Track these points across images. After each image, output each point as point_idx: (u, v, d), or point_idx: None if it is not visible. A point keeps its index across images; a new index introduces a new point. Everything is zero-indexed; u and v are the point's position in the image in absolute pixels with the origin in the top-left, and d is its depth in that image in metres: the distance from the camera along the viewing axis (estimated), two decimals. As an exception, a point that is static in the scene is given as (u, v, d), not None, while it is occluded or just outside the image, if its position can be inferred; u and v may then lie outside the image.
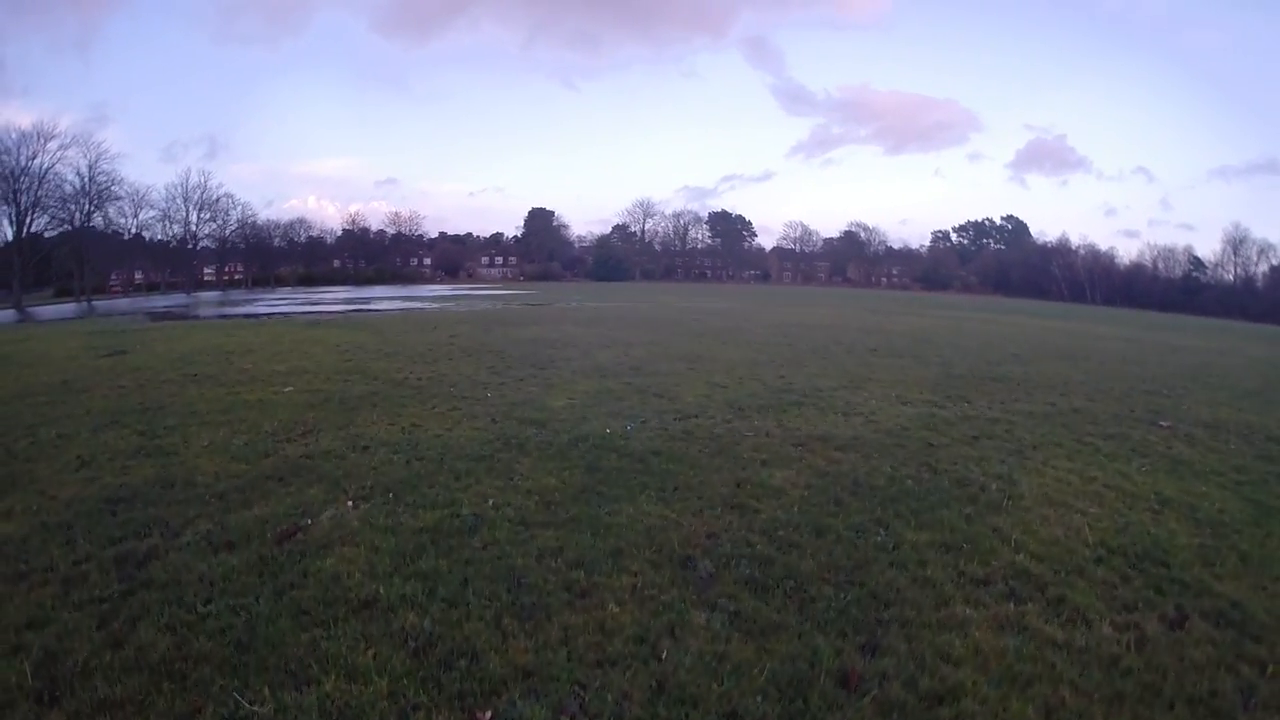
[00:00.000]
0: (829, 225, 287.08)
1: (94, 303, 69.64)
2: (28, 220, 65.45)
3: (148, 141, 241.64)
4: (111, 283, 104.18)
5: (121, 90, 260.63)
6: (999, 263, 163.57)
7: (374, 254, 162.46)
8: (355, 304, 43.55)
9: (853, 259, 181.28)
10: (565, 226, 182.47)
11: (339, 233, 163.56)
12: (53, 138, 64.75)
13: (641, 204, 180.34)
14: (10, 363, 14.59)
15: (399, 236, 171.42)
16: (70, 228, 72.92)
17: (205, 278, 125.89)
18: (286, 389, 10.35)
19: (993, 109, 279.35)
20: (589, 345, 14.82)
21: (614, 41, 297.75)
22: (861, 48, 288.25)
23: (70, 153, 72.28)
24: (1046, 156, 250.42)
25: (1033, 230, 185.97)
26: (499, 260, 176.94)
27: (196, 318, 31.21)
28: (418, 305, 36.22)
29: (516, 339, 15.89)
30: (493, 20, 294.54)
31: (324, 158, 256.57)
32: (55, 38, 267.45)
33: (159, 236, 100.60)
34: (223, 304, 52.61)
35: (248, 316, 31.00)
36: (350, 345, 15.78)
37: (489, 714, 3.25)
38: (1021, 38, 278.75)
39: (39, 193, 64.37)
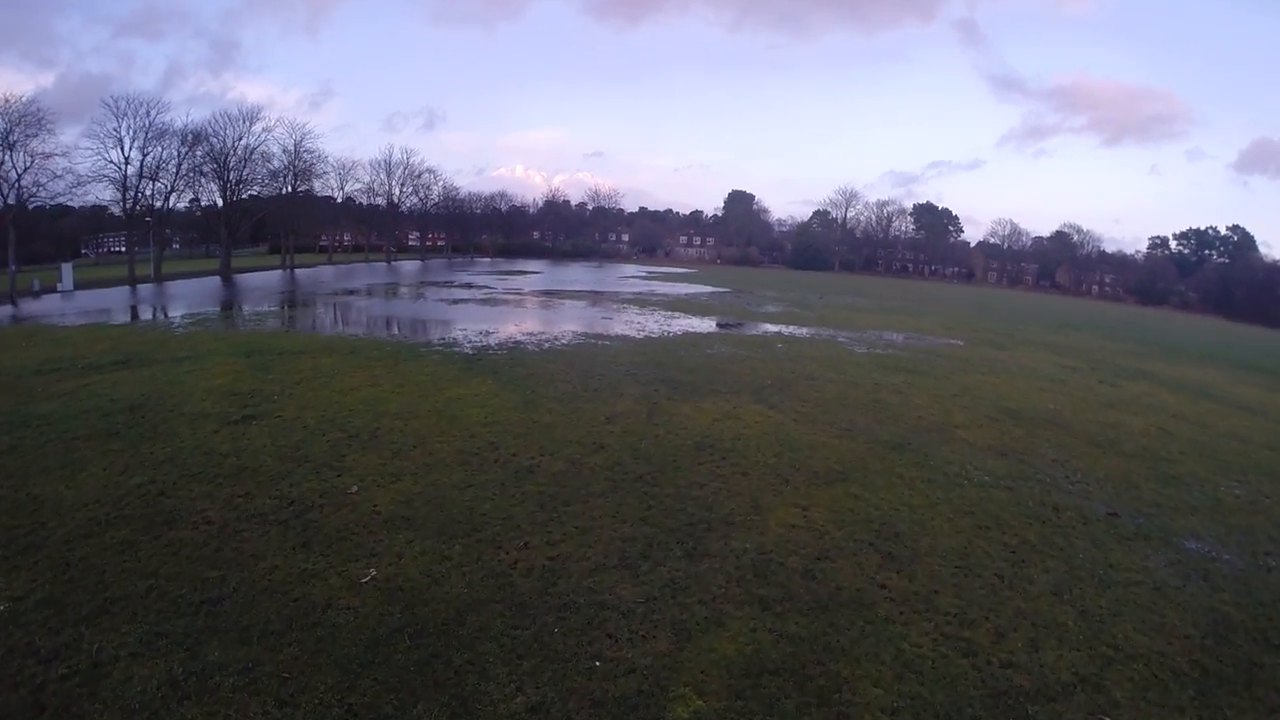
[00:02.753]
0: (1038, 222, 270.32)
1: (296, 270, 72.68)
2: (235, 194, 69.81)
3: (370, 113, 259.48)
4: (322, 243, 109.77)
5: (347, 67, 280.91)
6: (1222, 279, 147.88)
7: (573, 228, 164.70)
8: (541, 300, 41.83)
9: (1063, 262, 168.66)
10: (765, 210, 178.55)
11: (540, 204, 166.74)
12: (257, 120, 69.13)
13: (844, 191, 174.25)
14: (140, 427, 13.05)
15: (599, 210, 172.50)
16: (279, 196, 77.12)
17: (410, 242, 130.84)
18: (365, 579, 7.52)
19: (1215, 102, 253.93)
20: (765, 470, 11.53)
21: (821, 23, 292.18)
22: (1077, 33, 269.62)
23: (276, 133, 78.67)
24: (1272, 158, 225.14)
25: (1259, 243, 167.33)
26: (696, 241, 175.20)
27: (369, 328, 31.35)
28: (602, 318, 33.72)
29: (684, 444, 12.53)
30: (702, 3, 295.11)
31: (534, 129, 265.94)
32: (288, 21, 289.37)
33: (365, 202, 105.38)
34: (415, 286, 52.52)
35: (417, 324, 29.57)
36: (489, 430, 12.85)
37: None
38: (1247, 24, 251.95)
39: (244, 171, 68.51)
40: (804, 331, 32.30)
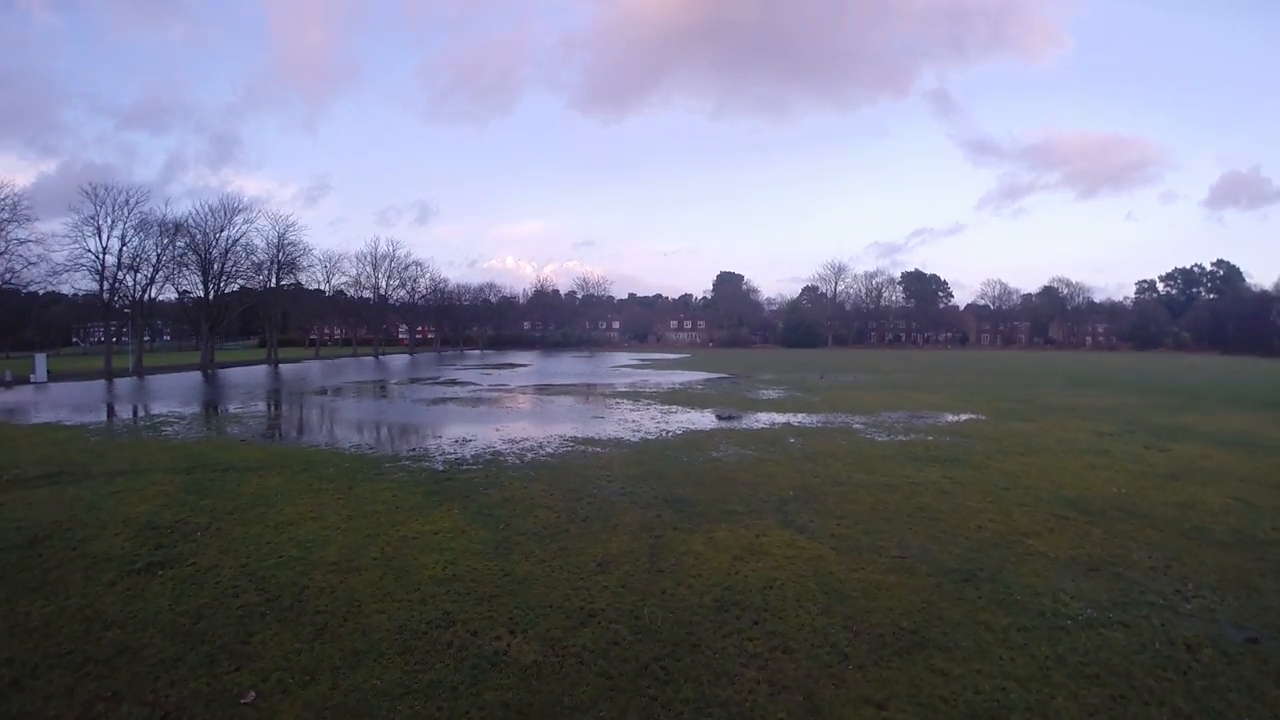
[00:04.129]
0: (1023, 280, 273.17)
1: (280, 365, 70.66)
2: (219, 285, 68.40)
3: (365, 207, 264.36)
4: (311, 336, 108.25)
5: (342, 162, 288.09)
6: (1213, 315, 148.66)
7: (563, 317, 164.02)
8: (528, 398, 39.12)
9: (1054, 317, 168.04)
10: (754, 290, 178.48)
11: (530, 293, 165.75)
12: (239, 212, 68.40)
13: (832, 265, 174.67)
14: (30, 572, 10.74)
15: (589, 298, 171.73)
16: (264, 289, 76.03)
17: (400, 335, 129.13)
18: None
19: (1183, 143, 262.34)
20: (813, 637, 8.88)
21: (800, 105, 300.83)
22: (1044, 92, 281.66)
23: (259, 224, 79.08)
24: (1242, 190, 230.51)
25: (1246, 274, 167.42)
26: (687, 324, 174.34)
27: (334, 436, 28.32)
28: (593, 417, 31.37)
29: (700, 603, 9.39)
30: (684, 92, 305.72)
31: (524, 220, 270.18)
32: (286, 119, 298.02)
33: (353, 295, 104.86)
34: (398, 383, 50.43)
35: (389, 431, 26.98)
36: (446, 590, 9.87)
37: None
38: (1207, 65, 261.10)
39: (226, 263, 67.33)
40: (814, 420, 29.54)
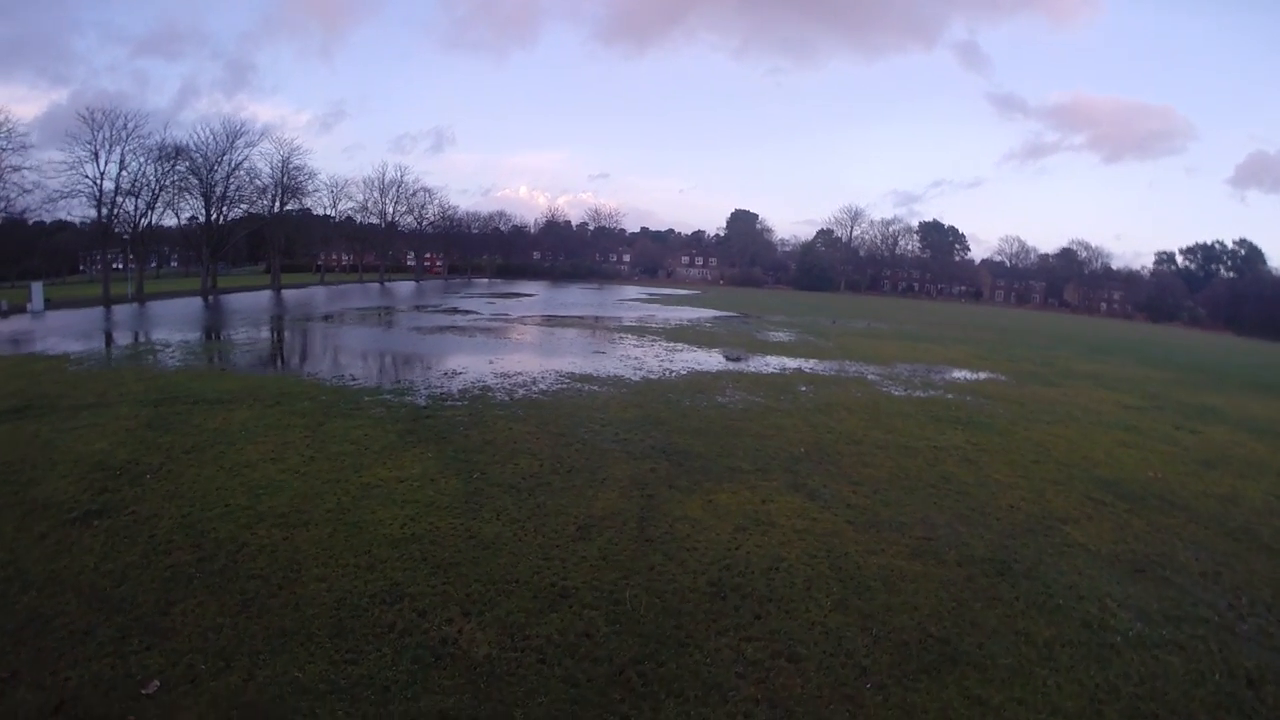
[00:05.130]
0: (1042, 238, 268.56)
1: (283, 291, 69.41)
2: (222, 210, 66.34)
3: (380, 134, 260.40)
4: (317, 263, 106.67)
5: (359, 89, 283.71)
6: (1231, 294, 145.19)
7: (573, 248, 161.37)
8: (530, 329, 37.65)
9: (1071, 279, 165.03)
10: (768, 230, 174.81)
11: (542, 223, 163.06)
12: (240, 135, 65.99)
13: (849, 210, 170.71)
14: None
15: (600, 230, 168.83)
16: (269, 214, 73.93)
17: (408, 262, 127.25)
18: None
19: (1212, 118, 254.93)
20: (824, 640, 7.68)
21: (826, 48, 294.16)
22: (1075, 52, 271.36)
23: (263, 147, 76.90)
24: (1267, 172, 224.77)
25: (1268, 256, 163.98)
26: (699, 261, 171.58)
27: (318, 366, 27.81)
28: (594, 352, 29.99)
29: (693, 586, 8.09)
30: (708, 29, 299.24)
31: (540, 151, 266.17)
32: (303, 46, 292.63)
33: (361, 220, 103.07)
34: (399, 310, 48.92)
35: (377, 361, 25.61)
36: (400, 553, 8.59)
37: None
38: (1241, 41, 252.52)
39: (228, 188, 65.18)
40: (826, 368, 28.11)
